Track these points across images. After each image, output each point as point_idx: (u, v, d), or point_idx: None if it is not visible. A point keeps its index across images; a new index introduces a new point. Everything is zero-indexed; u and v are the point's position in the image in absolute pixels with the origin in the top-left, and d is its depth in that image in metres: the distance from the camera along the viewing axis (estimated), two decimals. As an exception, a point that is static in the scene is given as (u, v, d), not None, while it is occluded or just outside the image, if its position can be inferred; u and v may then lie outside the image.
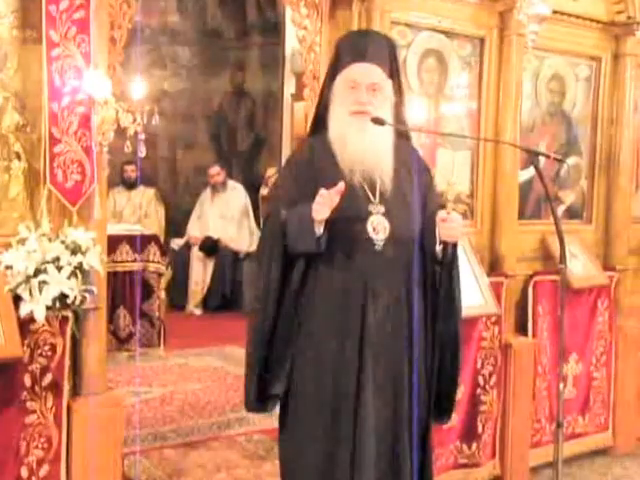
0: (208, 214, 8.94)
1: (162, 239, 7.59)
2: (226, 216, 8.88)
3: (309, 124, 3.14)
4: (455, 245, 2.88)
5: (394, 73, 2.96)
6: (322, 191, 2.65)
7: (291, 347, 2.85)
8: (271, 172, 8.84)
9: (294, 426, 2.89)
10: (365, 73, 2.84)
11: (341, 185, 2.64)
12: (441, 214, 2.78)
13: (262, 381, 2.88)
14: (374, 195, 2.84)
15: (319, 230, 2.69)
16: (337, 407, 2.79)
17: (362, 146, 2.80)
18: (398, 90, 2.97)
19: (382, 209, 2.83)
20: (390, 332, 2.82)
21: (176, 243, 8.94)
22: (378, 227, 2.80)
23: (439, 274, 2.93)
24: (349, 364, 2.78)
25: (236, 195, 9.04)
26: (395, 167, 2.88)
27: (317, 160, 2.89)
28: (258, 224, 8.64)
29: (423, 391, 2.90)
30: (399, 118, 2.98)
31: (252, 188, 9.11)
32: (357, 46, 2.90)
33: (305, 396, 2.83)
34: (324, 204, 2.64)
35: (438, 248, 2.84)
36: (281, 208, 2.82)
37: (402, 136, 3.00)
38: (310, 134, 3.10)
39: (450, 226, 2.77)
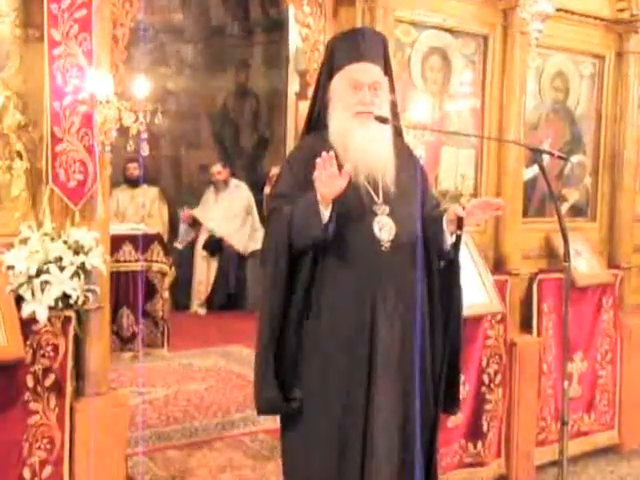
0: (212, 213, 8.93)
1: (166, 238, 7.58)
2: (230, 215, 8.86)
3: (304, 123, 3.10)
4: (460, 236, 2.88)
5: (388, 70, 2.95)
6: (318, 160, 2.57)
7: (300, 348, 2.81)
8: (275, 171, 8.80)
9: (303, 424, 2.84)
10: (367, 73, 2.83)
11: (347, 167, 2.59)
12: (473, 201, 2.83)
13: (280, 384, 2.81)
14: (377, 195, 2.83)
15: (326, 213, 2.62)
16: (347, 404, 2.76)
17: (365, 145, 2.78)
18: (391, 86, 2.96)
19: (387, 209, 2.81)
20: (400, 330, 2.80)
21: (180, 242, 8.92)
22: (384, 228, 2.79)
23: (445, 267, 2.92)
24: (359, 365, 2.76)
25: (240, 194, 9.01)
26: (395, 166, 2.87)
27: (318, 157, 2.86)
28: (262, 223, 8.63)
29: (430, 387, 2.90)
30: (395, 115, 2.97)
31: (256, 187, 9.08)
32: (354, 45, 2.88)
33: (315, 394, 2.80)
34: (329, 176, 2.56)
35: (450, 241, 2.83)
36: (283, 204, 2.78)
37: (397, 133, 2.99)
38: (305, 133, 3.06)
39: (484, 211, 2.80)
